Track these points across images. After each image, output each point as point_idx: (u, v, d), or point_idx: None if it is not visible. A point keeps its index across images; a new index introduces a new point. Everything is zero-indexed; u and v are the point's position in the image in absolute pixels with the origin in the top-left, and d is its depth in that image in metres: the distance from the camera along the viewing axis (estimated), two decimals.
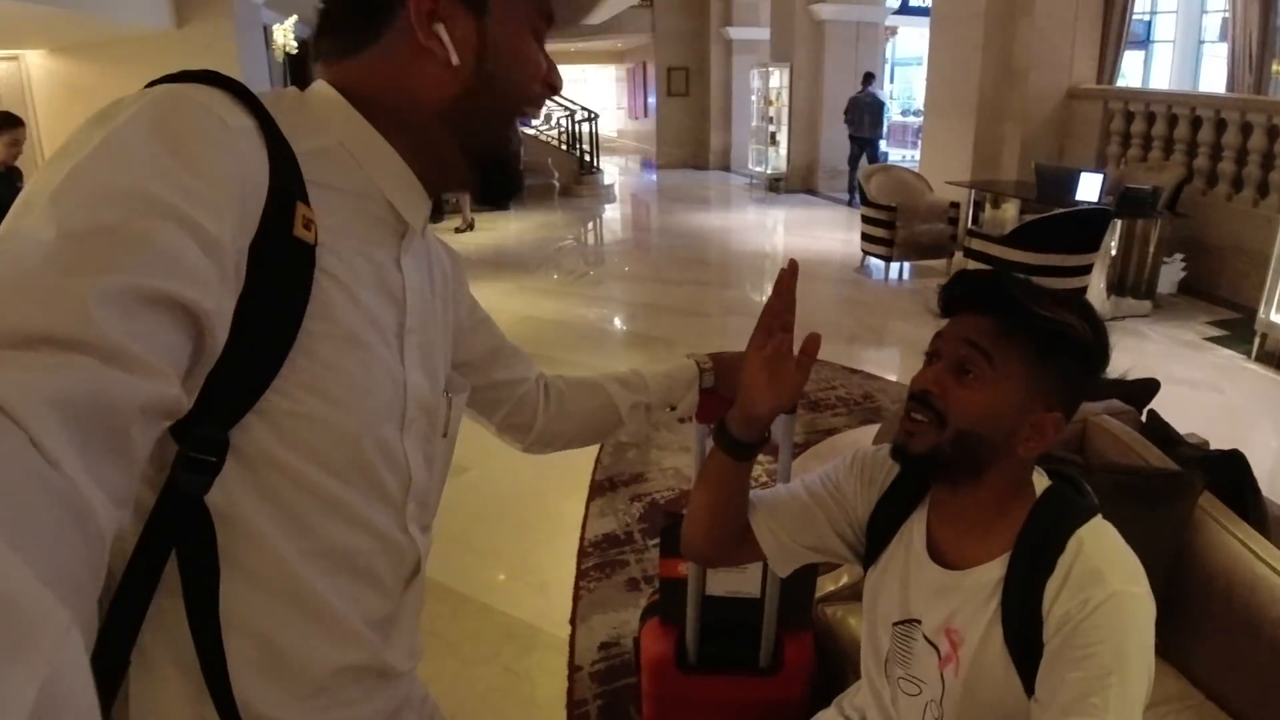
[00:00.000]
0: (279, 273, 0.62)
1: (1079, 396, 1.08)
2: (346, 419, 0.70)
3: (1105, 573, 0.96)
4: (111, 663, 0.63)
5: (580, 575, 2.93)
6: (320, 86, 0.76)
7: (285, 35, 9.88)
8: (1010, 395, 1.03)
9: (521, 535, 3.26)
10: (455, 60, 0.74)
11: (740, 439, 1.12)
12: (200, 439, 0.61)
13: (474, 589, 2.84)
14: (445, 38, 0.73)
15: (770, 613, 1.74)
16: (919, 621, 1.12)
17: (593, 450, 3.83)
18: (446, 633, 2.62)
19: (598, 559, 3.03)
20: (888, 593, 1.18)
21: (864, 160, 11.45)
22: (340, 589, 0.74)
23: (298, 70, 10.45)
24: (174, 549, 0.63)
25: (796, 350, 1.07)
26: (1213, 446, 2.07)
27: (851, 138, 11.96)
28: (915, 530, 1.16)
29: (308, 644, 0.73)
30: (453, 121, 0.77)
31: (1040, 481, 1.11)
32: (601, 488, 3.58)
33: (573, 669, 2.47)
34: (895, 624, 1.16)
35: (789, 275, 1.04)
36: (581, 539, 3.17)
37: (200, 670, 0.66)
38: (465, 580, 2.89)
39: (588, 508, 3.42)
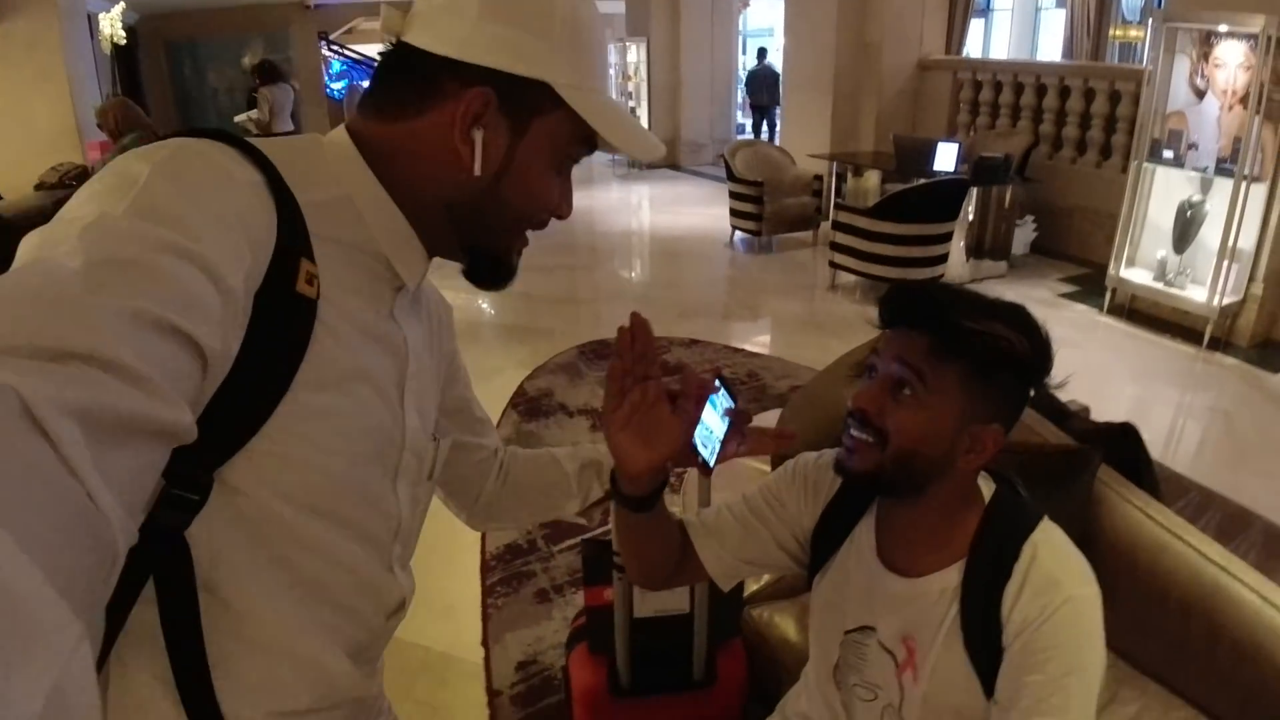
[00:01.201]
0: (277, 325, 0.64)
1: (1019, 407, 1.07)
2: (331, 463, 0.71)
3: (1060, 578, 0.99)
4: None
5: (486, 593, 2.81)
6: (340, 135, 0.77)
7: (113, 24, 9.09)
8: (947, 413, 1.00)
9: (418, 555, 3.06)
10: (477, 171, 0.74)
11: (633, 496, 1.03)
12: (186, 478, 0.61)
13: None
14: (479, 145, 0.73)
15: (701, 626, 1.70)
16: (873, 629, 1.11)
17: None
18: None
19: (503, 573, 2.92)
20: (839, 600, 1.15)
21: (764, 127, 12.85)
22: (320, 620, 0.75)
23: (127, 63, 9.64)
24: (151, 575, 0.64)
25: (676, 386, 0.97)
26: (1075, 400, 2.15)
27: (753, 107, 13.17)
28: (864, 537, 1.14)
29: (288, 670, 0.74)
30: (454, 215, 0.78)
31: (985, 485, 1.10)
32: None
33: (492, 694, 2.36)
34: (848, 631, 1.13)
35: (630, 334, 0.91)
36: (483, 553, 3.03)
37: (175, 684, 0.67)
38: None
39: None
